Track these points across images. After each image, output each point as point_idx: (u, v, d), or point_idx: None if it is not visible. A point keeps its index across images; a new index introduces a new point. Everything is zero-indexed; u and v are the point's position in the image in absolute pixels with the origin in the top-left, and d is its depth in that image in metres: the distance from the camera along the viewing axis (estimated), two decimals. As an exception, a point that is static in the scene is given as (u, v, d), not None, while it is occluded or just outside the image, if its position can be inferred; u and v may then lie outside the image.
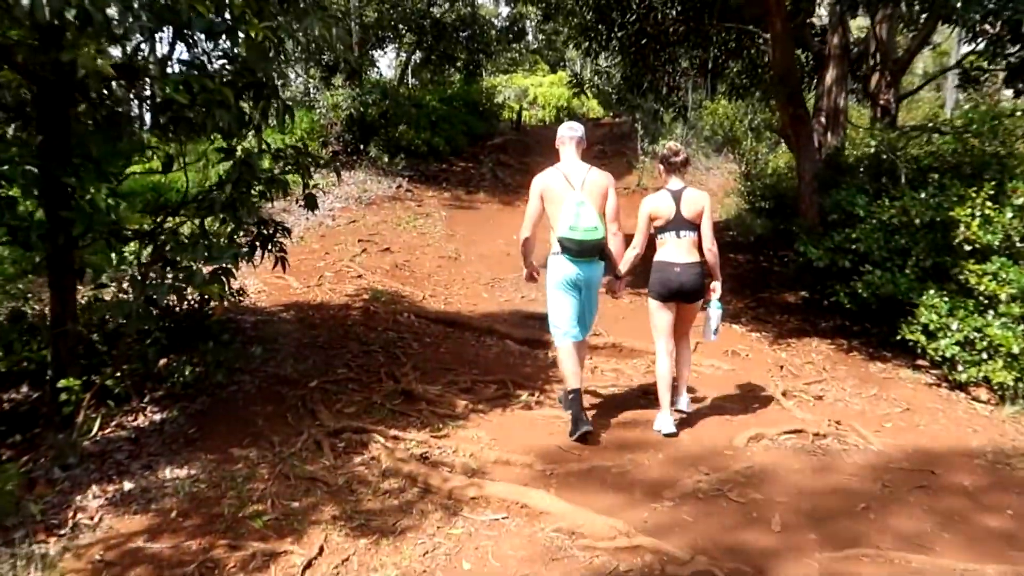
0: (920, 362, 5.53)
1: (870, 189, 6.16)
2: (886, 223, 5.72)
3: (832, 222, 6.21)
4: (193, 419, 4.18)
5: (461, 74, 22.10)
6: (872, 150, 6.38)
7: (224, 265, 3.61)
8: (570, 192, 3.87)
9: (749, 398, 4.91)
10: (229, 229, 4.05)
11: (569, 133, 4.10)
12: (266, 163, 4.39)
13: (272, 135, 14.08)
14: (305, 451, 3.79)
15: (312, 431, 3.95)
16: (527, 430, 4.20)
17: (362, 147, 14.09)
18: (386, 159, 13.90)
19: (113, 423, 4.06)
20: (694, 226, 3.99)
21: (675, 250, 4.00)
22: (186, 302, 5.07)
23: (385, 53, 18.46)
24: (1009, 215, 5.17)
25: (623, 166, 16.58)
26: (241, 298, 5.83)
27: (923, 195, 5.63)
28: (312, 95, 15.25)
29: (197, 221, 4.01)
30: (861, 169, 7.60)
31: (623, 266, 4.13)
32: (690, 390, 4.67)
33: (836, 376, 5.43)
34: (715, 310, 4.19)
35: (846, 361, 5.77)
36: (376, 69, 15.63)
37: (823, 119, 8.00)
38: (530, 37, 34.10)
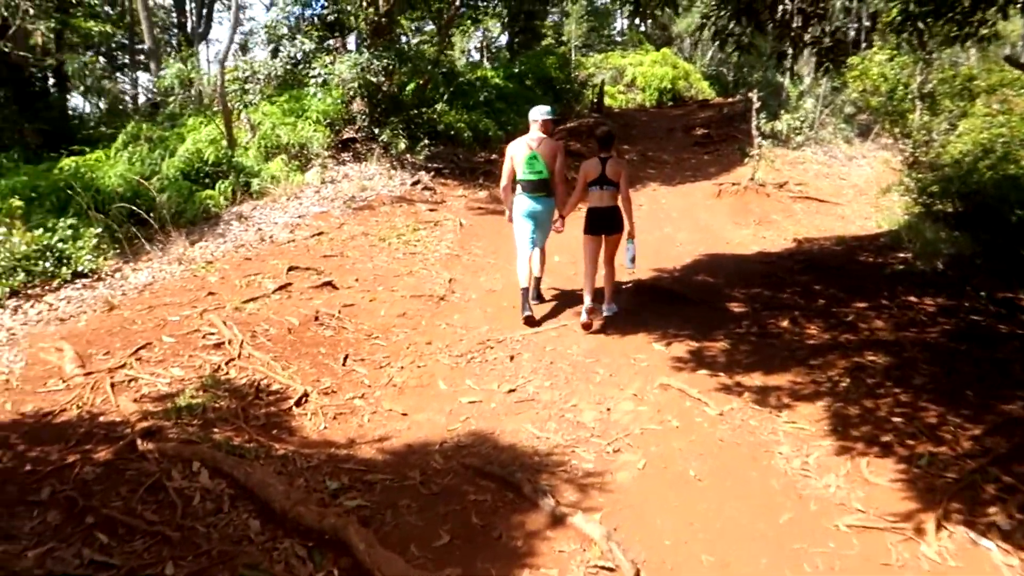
0: None
1: None
2: None
3: None
4: None
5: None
6: None
7: None
8: (527, 151, 5.37)
9: None
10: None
11: (535, 116, 5.46)
12: None
13: (281, 120, 10.81)
14: None
15: None
16: None
17: (376, 130, 10.53)
18: (401, 147, 10.26)
19: None
20: (615, 184, 5.12)
21: (600, 199, 5.16)
22: None
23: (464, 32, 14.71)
24: None
25: (733, 155, 12.12)
26: None
27: None
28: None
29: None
30: None
31: (565, 209, 5.47)
32: None
33: None
34: (629, 244, 5.21)
35: None
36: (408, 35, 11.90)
37: None
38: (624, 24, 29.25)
